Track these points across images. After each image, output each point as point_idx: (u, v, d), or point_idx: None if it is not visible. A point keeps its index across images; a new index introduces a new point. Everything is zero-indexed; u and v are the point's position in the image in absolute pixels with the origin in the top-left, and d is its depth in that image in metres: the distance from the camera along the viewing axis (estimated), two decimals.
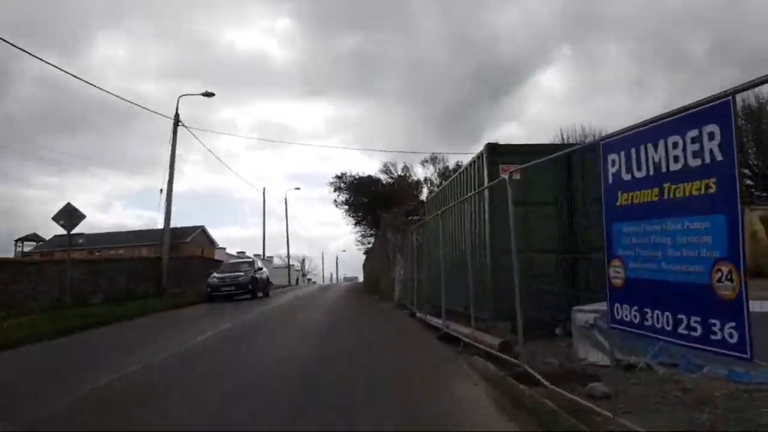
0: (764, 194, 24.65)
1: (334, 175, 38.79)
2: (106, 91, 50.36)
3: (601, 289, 9.29)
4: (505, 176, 9.09)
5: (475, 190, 9.53)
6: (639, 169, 3.74)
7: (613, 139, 4.04)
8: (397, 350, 8.49)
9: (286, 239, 56.43)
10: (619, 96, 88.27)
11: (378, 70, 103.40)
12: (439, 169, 36.25)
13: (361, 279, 54.54)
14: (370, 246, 37.79)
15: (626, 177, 3.87)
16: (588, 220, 9.07)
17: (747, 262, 2.90)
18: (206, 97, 25.70)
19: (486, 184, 9.09)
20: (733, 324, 2.88)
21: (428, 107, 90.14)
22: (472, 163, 9.93)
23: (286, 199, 70.14)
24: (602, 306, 6.99)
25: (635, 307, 3.81)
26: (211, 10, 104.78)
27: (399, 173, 37.59)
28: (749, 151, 31.46)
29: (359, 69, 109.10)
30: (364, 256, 42.89)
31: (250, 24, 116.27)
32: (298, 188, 78.84)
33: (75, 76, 40.17)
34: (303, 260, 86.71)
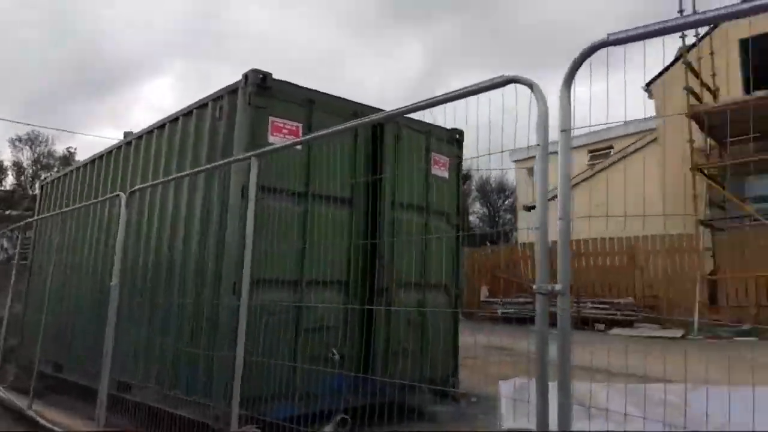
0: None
1: None
2: None
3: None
4: (277, 141, 4.74)
5: (207, 160, 4.83)
6: None
7: None
8: None
9: None
10: None
11: None
12: (40, 152, 26.66)
13: None
14: None
15: None
16: (395, 242, 5.38)
17: None
18: None
19: (242, 148, 4.54)
20: None
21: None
22: (206, 104, 5.11)
23: None
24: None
25: None
26: None
27: None
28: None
29: None
30: None
31: None
32: None
33: None
34: None
